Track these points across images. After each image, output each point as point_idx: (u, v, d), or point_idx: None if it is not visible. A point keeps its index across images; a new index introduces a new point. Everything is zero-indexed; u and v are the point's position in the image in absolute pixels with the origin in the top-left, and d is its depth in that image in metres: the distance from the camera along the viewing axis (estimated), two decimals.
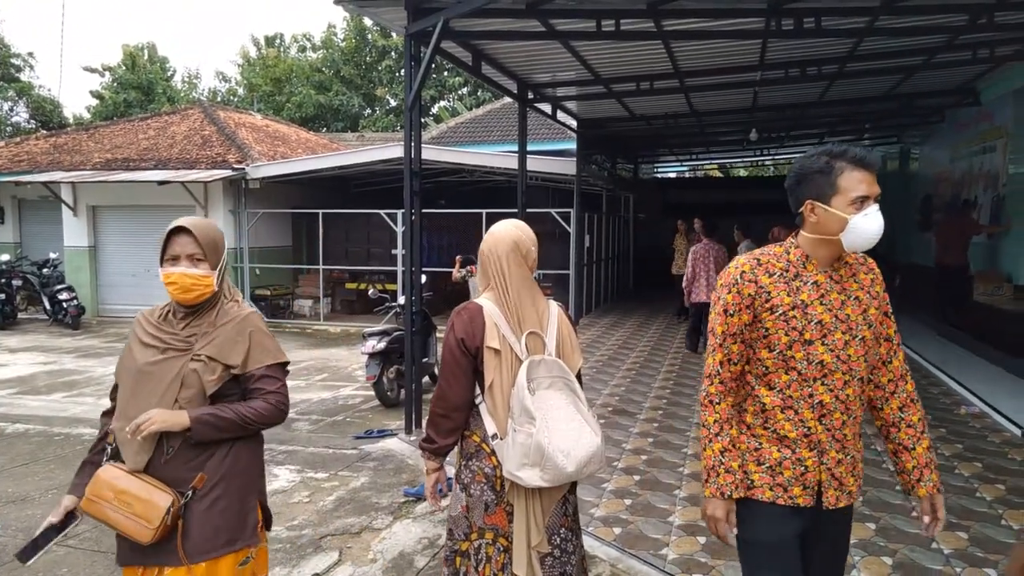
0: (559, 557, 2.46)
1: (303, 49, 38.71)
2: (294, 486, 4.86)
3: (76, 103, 56.41)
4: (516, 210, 9.65)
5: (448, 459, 2.52)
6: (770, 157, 21.97)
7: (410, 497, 4.55)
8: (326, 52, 36.52)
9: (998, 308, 9.32)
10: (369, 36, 34.40)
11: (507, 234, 2.50)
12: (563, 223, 12.24)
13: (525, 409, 2.32)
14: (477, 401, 2.44)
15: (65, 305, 13.06)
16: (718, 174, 29.06)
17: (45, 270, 13.84)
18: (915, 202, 15.05)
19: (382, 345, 7.14)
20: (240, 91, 38.08)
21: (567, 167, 12.14)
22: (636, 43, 7.39)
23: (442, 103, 34.73)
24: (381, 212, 12.92)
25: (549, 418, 2.32)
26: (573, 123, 12.08)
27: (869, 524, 4.05)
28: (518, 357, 2.40)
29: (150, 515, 2.04)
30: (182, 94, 36.44)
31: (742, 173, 30.84)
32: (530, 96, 9.52)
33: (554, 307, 2.57)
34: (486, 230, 2.61)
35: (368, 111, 35.72)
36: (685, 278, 9.22)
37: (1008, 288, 9.64)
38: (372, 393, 7.49)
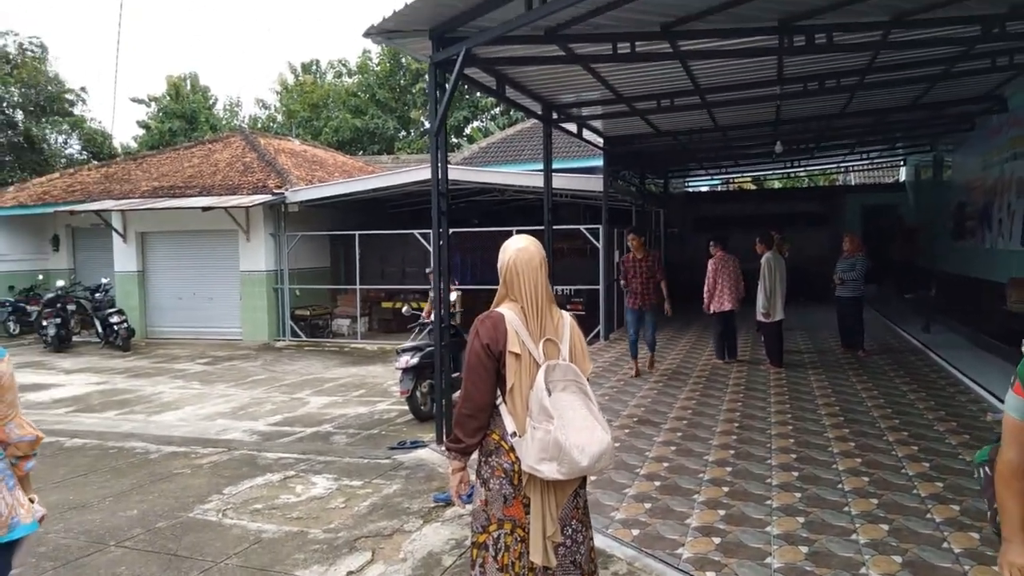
0: (570, 547, 2.69)
1: (339, 75, 39.73)
2: (331, 493, 5.14)
3: (124, 133, 58.45)
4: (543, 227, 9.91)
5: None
6: (802, 168, 21.89)
7: (440, 502, 4.79)
8: (361, 77, 37.43)
9: None
10: (404, 60, 35.18)
11: (536, 251, 2.74)
12: (592, 239, 12.45)
13: (544, 408, 2.55)
14: (497, 402, 2.68)
15: (116, 328, 13.69)
16: (751, 186, 28.94)
17: (97, 295, 14.56)
18: (949, 210, 14.90)
19: (415, 360, 7.43)
20: (279, 117, 39.21)
21: (594, 184, 12.37)
22: (654, 63, 7.62)
23: (475, 123, 35.29)
24: (415, 232, 13.29)
25: (565, 417, 2.55)
26: (600, 141, 12.32)
27: (883, 525, 4.16)
28: (536, 362, 2.63)
29: None
30: (224, 122, 37.69)
31: (776, 185, 30.66)
32: (555, 116, 9.80)
33: (567, 317, 2.81)
34: None
35: (403, 133, 36.46)
36: (706, 288, 9.36)
37: None
38: (406, 407, 7.77)
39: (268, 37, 64.53)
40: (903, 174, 22.28)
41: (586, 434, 2.54)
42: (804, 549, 3.90)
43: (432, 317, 9.15)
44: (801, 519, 4.30)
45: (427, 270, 9.84)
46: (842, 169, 24.49)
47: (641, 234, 9.10)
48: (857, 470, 5.14)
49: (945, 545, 3.88)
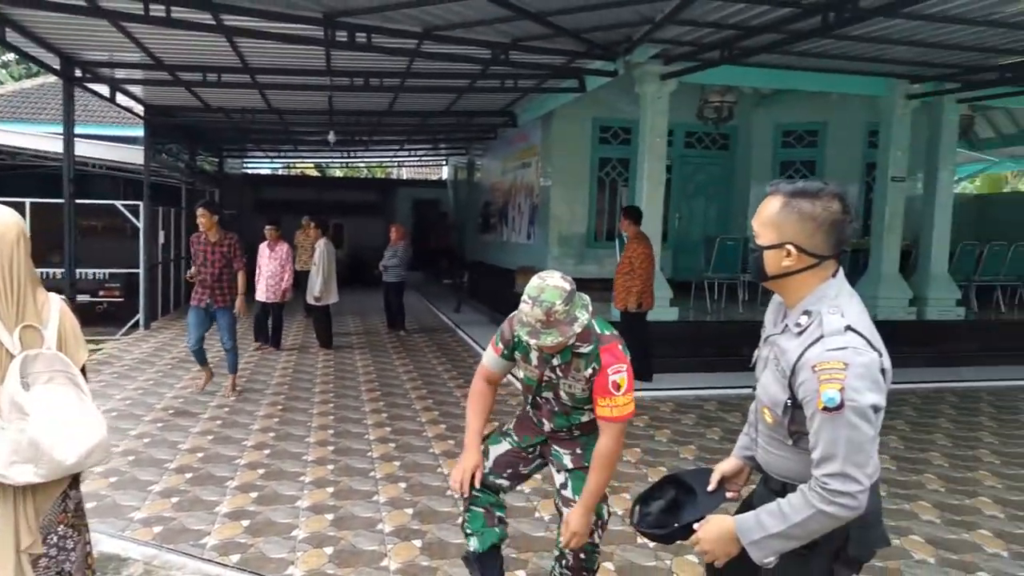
0: (56, 556, 2.40)
1: None
2: None
3: None
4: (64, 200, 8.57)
5: None
6: (360, 159, 23.06)
7: None
8: None
9: None
10: None
11: (13, 223, 2.34)
12: (132, 217, 11.21)
13: (17, 405, 2.22)
14: None
15: None
16: (316, 173, 29.38)
17: None
18: (478, 207, 17.33)
19: None
20: None
21: (134, 156, 11.15)
22: (198, 33, 7.17)
23: None
24: None
25: (48, 413, 2.26)
26: (140, 109, 11.13)
27: (401, 483, 4.66)
28: (9, 352, 2.27)
29: None
30: None
31: (338, 173, 31.69)
32: (79, 74, 8.54)
33: (56, 300, 2.48)
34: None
35: None
36: (277, 275, 9.18)
37: None
38: None
39: None
40: (445, 173, 25.11)
41: (73, 429, 2.31)
42: (330, 516, 4.14)
43: None
44: (331, 489, 4.56)
45: None
46: (395, 164, 26.45)
47: (215, 210, 7.05)
48: (386, 437, 5.65)
49: (448, 493, 4.52)
